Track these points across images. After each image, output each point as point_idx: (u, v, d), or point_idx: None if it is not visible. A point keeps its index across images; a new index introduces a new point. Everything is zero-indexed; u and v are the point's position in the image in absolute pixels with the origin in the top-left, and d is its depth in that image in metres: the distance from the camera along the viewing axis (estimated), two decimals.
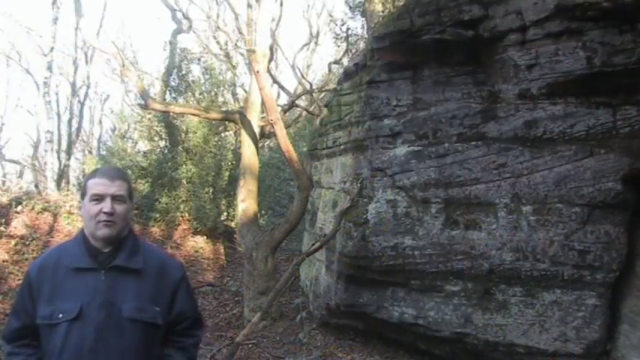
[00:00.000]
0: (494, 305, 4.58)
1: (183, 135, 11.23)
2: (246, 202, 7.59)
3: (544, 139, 4.40)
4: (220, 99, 12.78)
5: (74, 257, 1.78)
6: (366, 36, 10.44)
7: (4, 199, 9.05)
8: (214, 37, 13.85)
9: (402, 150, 5.07)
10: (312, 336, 5.96)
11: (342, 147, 6.14)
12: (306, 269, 7.35)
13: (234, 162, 11.48)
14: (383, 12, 8.38)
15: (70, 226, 9.08)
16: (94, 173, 1.88)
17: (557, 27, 4.19)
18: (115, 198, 1.78)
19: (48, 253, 1.91)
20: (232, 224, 11.23)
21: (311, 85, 12.13)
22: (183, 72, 12.01)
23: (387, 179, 5.13)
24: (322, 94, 11.59)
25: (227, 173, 11.53)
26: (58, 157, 15.53)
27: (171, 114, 10.16)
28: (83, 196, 1.83)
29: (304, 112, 12.97)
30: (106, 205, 1.75)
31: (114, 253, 1.79)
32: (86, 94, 18.81)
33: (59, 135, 16.81)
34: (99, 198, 1.77)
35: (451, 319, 4.73)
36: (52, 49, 13.95)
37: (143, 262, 1.82)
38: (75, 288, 1.73)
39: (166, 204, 9.99)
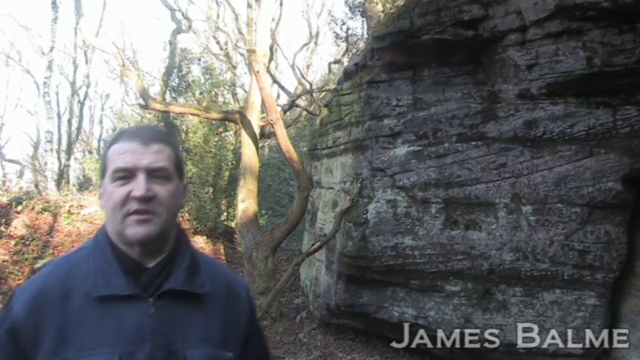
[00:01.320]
0: (494, 305, 4.58)
1: (183, 135, 11.24)
2: (246, 202, 7.60)
3: (544, 139, 4.41)
4: (220, 99, 12.79)
5: (99, 278, 1.08)
6: (366, 36, 10.44)
7: (4, 199, 9.06)
8: (214, 37, 13.86)
9: (402, 150, 5.07)
10: (312, 336, 5.96)
11: (342, 147, 6.14)
12: (306, 269, 7.35)
13: (234, 162, 11.49)
14: (383, 12, 8.38)
15: (70, 226, 9.08)
16: (118, 136, 1.18)
17: (557, 27, 4.19)
18: (152, 173, 1.10)
19: (45, 274, 1.13)
20: (232, 224, 11.23)
21: (311, 85, 12.15)
22: (183, 72, 12.02)
23: (387, 179, 5.13)
24: (322, 94, 11.60)
25: (227, 173, 11.54)
26: (58, 157, 15.54)
27: (171, 114, 10.17)
28: (103, 174, 1.15)
29: (304, 112, 12.98)
30: (138, 186, 1.08)
31: (164, 269, 1.13)
32: (86, 94, 18.88)
33: (59, 135, 16.84)
34: (125, 174, 1.09)
35: (451, 319, 4.73)
36: (51, 48, 13.95)
37: (208, 281, 1.18)
38: (104, 329, 1.04)
39: None
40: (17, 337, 1.06)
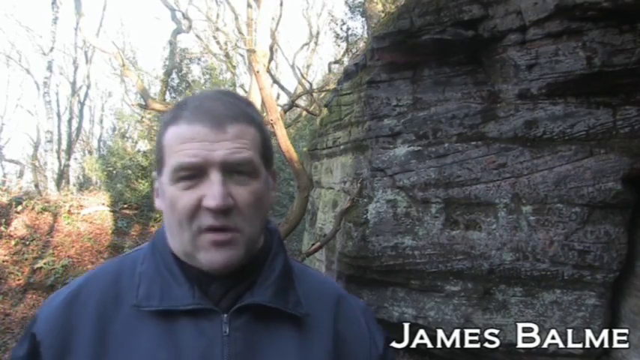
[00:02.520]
0: (495, 305, 4.58)
1: None
2: None
3: (544, 139, 4.41)
4: None
5: (154, 286, 0.80)
6: (366, 36, 10.45)
7: (4, 199, 9.06)
8: (214, 37, 13.87)
9: (402, 150, 5.07)
10: None
11: (342, 147, 6.14)
12: None
13: None
14: (383, 12, 8.39)
15: (70, 226, 9.08)
16: (177, 112, 0.81)
17: (557, 27, 4.19)
18: (231, 169, 0.77)
19: (85, 277, 0.86)
20: None
21: (311, 85, 12.16)
22: (183, 72, 12.04)
23: (387, 179, 5.14)
24: (322, 94, 11.60)
25: None
26: (58, 157, 15.54)
27: None
28: (159, 166, 0.82)
29: (304, 112, 12.99)
30: (212, 192, 0.75)
31: (245, 277, 0.82)
32: (86, 94, 18.89)
33: (59, 135, 16.84)
34: (193, 173, 0.77)
35: (451, 319, 4.73)
36: (51, 48, 13.95)
37: (305, 299, 0.86)
38: (156, 356, 0.76)
39: None
40: (40, 355, 0.77)
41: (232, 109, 0.81)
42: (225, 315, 0.79)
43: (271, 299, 0.81)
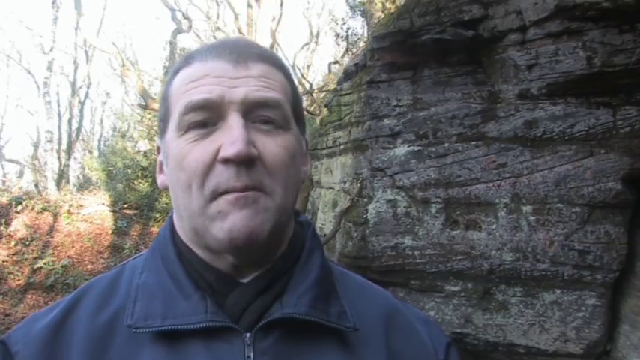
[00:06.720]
0: (495, 305, 4.58)
1: None
2: None
3: (544, 139, 4.41)
4: None
5: (154, 301, 0.63)
6: (366, 36, 10.45)
7: (4, 199, 9.07)
8: (214, 37, 13.87)
9: (402, 150, 5.07)
10: None
11: (342, 147, 6.14)
12: None
13: None
14: (383, 12, 8.39)
15: (70, 226, 9.09)
16: (191, 53, 0.69)
17: (557, 27, 4.19)
18: (255, 113, 0.62)
19: (70, 298, 0.68)
20: None
21: (311, 85, 12.15)
22: None
23: (387, 179, 5.14)
24: (322, 94, 11.60)
25: None
26: (58, 157, 15.54)
27: None
28: (164, 125, 0.67)
29: (304, 112, 13.00)
30: (232, 135, 0.58)
31: (270, 284, 0.65)
32: (86, 94, 18.91)
33: (59, 135, 16.85)
34: (207, 117, 0.61)
35: (451, 319, 4.73)
36: (52, 48, 13.95)
37: (352, 309, 0.69)
38: None
39: (166, 204, 10.01)
40: None
41: (257, 48, 0.67)
42: (248, 334, 0.61)
43: (308, 310, 0.62)
